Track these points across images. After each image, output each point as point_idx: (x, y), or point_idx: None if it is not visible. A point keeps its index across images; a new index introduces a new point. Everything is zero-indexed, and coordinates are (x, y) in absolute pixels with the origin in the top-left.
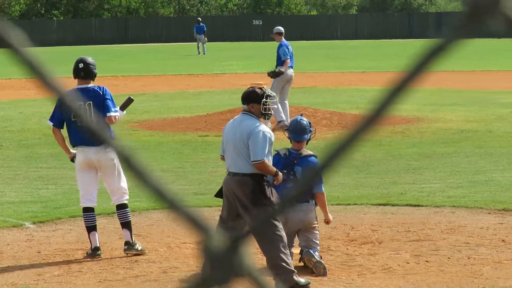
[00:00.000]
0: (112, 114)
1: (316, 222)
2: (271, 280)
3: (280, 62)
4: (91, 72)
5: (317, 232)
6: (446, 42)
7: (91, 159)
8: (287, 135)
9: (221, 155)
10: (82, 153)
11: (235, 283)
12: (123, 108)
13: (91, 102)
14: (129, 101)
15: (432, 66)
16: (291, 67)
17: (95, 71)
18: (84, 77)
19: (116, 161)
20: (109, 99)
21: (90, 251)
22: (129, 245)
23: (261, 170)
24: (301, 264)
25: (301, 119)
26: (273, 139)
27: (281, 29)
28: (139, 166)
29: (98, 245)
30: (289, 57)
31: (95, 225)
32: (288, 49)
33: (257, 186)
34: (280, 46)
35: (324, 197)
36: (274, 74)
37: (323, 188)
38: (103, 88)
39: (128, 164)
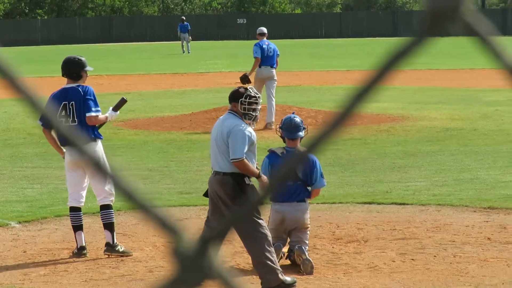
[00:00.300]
0: (92, 114)
1: (309, 223)
2: (242, 282)
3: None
4: (70, 72)
5: (308, 233)
6: (414, 42)
7: (77, 159)
8: (279, 134)
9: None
10: (69, 153)
11: (205, 285)
12: (116, 108)
13: (73, 102)
14: (122, 101)
15: (400, 65)
16: (271, 65)
17: (75, 70)
18: (65, 76)
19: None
20: (90, 99)
21: (76, 251)
22: (109, 246)
23: (241, 169)
24: (288, 262)
25: (294, 117)
26: (254, 139)
27: (262, 29)
28: (108, 168)
29: (84, 244)
30: (258, 57)
31: (81, 224)
32: (261, 48)
33: (236, 185)
34: (254, 45)
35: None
36: (243, 80)
37: (325, 182)
38: (86, 87)
39: (98, 166)
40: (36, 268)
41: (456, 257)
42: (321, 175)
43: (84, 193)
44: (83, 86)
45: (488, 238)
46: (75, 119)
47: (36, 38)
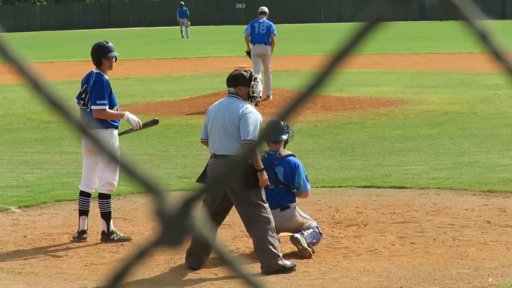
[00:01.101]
0: (94, 107)
1: (302, 222)
2: (220, 240)
3: (252, 38)
4: (92, 58)
5: (308, 224)
6: (371, 24)
7: (88, 145)
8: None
9: (202, 139)
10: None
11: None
12: (144, 126)
13: (88, 87)
14: (152, 122)
15: (360, 47)
16: (264, 43)
17: (95, 56)
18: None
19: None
20: (96, 90)
21: (77, 234)
22: (103, 235)
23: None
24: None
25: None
26: (261, 120)
27: (263, 8)
28: (95, 135)
29: (85, 228)
30: (247, 33)
31: (87, 210)
32: (251, 26)
33: (248, 167)
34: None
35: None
36: (249, 54)
37: (309, 186)
38: (98, 76)
39: (85, 132)
40: (36, 253)
41: (456, 240)
42: (306, 179)
43: (96, 180)
44: (98, 74)
45: (488, 221)
46: (88, 104)
47: (35, 23)
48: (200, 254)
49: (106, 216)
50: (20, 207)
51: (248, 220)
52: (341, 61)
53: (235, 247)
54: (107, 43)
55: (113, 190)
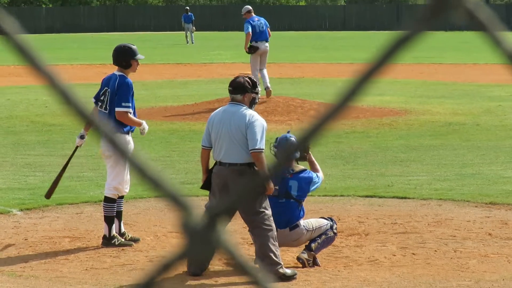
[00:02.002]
0: (119, 109)
1: (313, 233)
2: (247, 257)
3: (254, 37)
4: (119, 60)
5: (317, 233)
6: (410, 34)
7: (102, 150)
8: (274, 153)
9: (204, 146)
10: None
11: (213, 257)
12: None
13: (109, 90)
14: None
15: (397, 58)
16: (266, 40)
17: (125, 58)
18: (115, 63)
19: (109, 154)
20: (122, 92)
21: (103, 239)
22: (105, 239)
23: (258, 161)
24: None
25: (290, 136)
26: (266, 127)
27: (248, 7)
28: (123, 147)
29: (107, 233)
30: (249, 31)
31: (120, 211)
32: (252, 25)
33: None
34: (245, 23)
35: None
36: (251, 50)
37: (321, 177)
38: (123, 79)
39: (114, 144)
40: (37, 256)
41: (457, 252)
42: (319, 180)
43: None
44: (122, 76)
45: (489, 234)
46: (107, 107)
47: (40, 26)
48: (202, 262)
49: (108, 220)
50: (21, 210)
51: (251, 227)
52: (380, 70)
53: None
54: (133, 45)
55: (119, 195)
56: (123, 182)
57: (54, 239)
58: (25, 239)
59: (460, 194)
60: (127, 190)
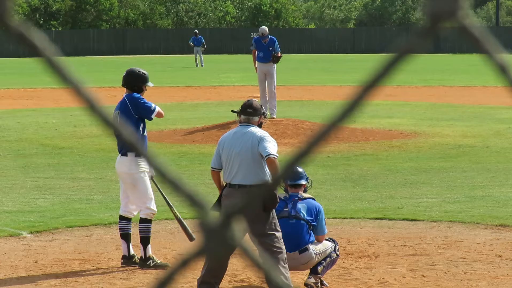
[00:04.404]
0: (152, 116)
1: (320, 256)
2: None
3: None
4: (131, 84)
5: (323, 256)
6: (401, 54)
7: (118, 170)
8: (283, 187)
9: (213, 168)
10: (116, 162)
11: (228, 254)
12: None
13: (118, 111)
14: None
15: (389, 79)
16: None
17: (137, 82)
18: (125, 86)
19: (129, 172)
20: (143, 105)
21: (122, 260)
22: (124, 258)
23: (272, 165)
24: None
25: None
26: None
27: (261, 29)
28: (144, 150)
29: (127, 254)
30: (254, 48)
31: (127, 233)
32: (255, 42)
33: (267, 196)
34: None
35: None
36: (276, 59)
37: (326, 231)
38: (131, 95)
39: (135, 147)
40: (47, 279)
41: (467, 274)
42: (324, 222)
43: (127, 204)
44: (128, 95)
45: (499, 256)
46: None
47: None
48: (212, 283)
49: (144, 240)
50: (31, 232)
51: (261, 248)
52: (371, 91)
53: (245, 276)
54: (145, 71)
55: (154, 214)
56: (152, 200)
57: (64, 262)
58: (35, 262)
59: (470, 216)
60: (135, 213)
